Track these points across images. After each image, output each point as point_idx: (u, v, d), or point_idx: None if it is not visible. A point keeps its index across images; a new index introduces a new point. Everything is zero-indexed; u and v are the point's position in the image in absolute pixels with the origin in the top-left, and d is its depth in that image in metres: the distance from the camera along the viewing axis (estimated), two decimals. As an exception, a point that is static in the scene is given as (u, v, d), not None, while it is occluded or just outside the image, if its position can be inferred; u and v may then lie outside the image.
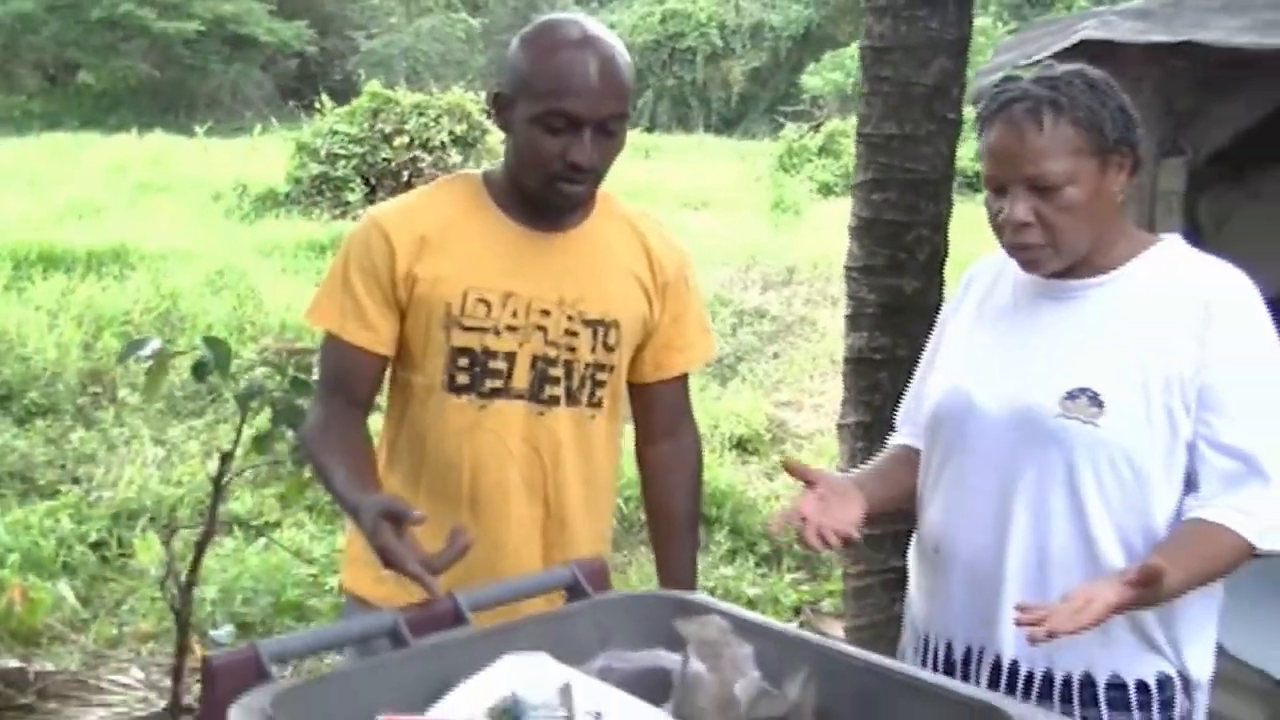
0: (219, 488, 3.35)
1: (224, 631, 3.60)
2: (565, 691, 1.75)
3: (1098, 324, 2.20)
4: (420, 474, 2.41)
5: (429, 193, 2.48)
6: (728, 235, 13.54)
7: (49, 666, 4.85)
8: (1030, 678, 2.22)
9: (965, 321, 2.42)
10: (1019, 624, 1.98)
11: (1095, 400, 2.13)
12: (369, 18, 34.75)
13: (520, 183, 2.36)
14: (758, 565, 6.68)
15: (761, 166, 21.03)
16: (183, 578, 3.36)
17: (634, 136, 26.41)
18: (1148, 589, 1.95)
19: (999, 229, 2.21)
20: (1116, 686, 2.19)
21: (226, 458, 3.30)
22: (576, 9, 38.05)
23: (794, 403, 9.66)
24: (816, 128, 22.72)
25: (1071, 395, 2.15)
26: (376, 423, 2.55)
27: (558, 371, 2.38)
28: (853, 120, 22.40)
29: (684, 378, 2.61)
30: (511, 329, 2.35)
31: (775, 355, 10.50)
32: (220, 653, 1.90)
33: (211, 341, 3.15)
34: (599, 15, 37.97)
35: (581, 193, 2.34)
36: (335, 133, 15.11)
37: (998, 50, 3.53)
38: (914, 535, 2.49)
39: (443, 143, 15.13)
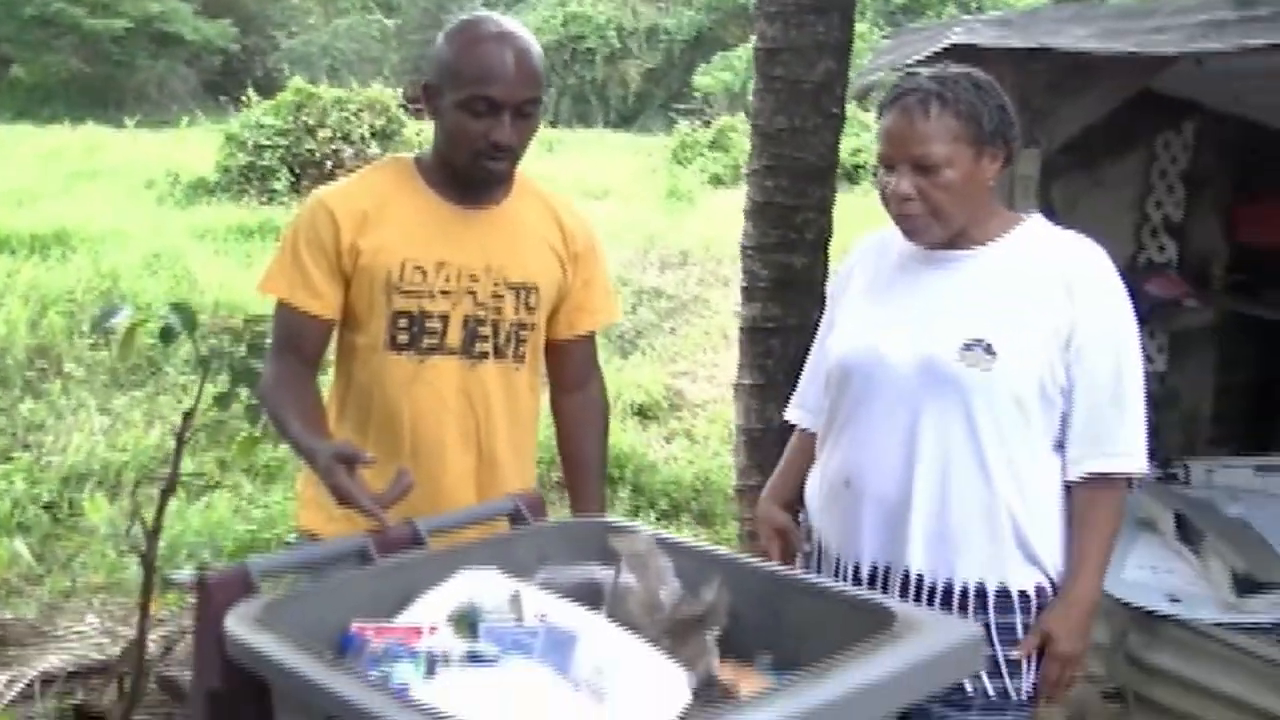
0: (182, 443, 3.40)
1: (185, 573, 3.64)
2: (515, 599, 1.88)
3: (984, 285, 2.37)
4: (368, 424, 2.50)
5: (367, 174, 2.57)
6: (627, 221, 13.58)
7: (8, 616, 4.85)
8: (934, 588, 2.38)
9: (859, 291, 2.57)
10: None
11: (989, 350, 2.31)
12: (289, 17, 34.22)
13: (449, 162, 2.46)
14: (658, 519, 6.78)
15: (657, 159, 21.05)
16: (149, 526, 3.40)
17: (538, 131, 26.40)
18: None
19: (887, 202, 2.38)
20: (1002, 594, 2.37)
21: (189, 415, 3.35)
22: (485, 10, 37.84)
23: (689, 373, 9.75)
24: (707, 123, 22.78)
25: (968, 346, 2.32)
26: (325, 382, 2.64)
27: (486, 330, 2.50)
28: (740, 116, 22.50)
29: (592, 335, 2.74)
30: (445, 293, 2.46)
31: (672, 330, 10.59)
32: (214, 572, 2.00)
33: (178, 307, 3.20)
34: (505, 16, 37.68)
35: (504, 169, 2.46)
36: (262, 125, 14.93)
37: (876, 53, 3.64)
38: (812, 479, 2.63)
39: (362, 135, 15.03)
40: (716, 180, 19.71)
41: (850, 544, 2.48)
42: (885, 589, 2.42)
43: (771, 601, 1.97)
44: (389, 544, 2.12)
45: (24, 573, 5.43)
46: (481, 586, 1.95)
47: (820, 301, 4.33)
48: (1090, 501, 2.38)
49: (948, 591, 2.38)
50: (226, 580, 1.97)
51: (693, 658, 1.83)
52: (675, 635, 1.87)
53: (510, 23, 2.44)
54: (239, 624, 1.79)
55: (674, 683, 1.75)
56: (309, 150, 14.83)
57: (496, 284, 2.49)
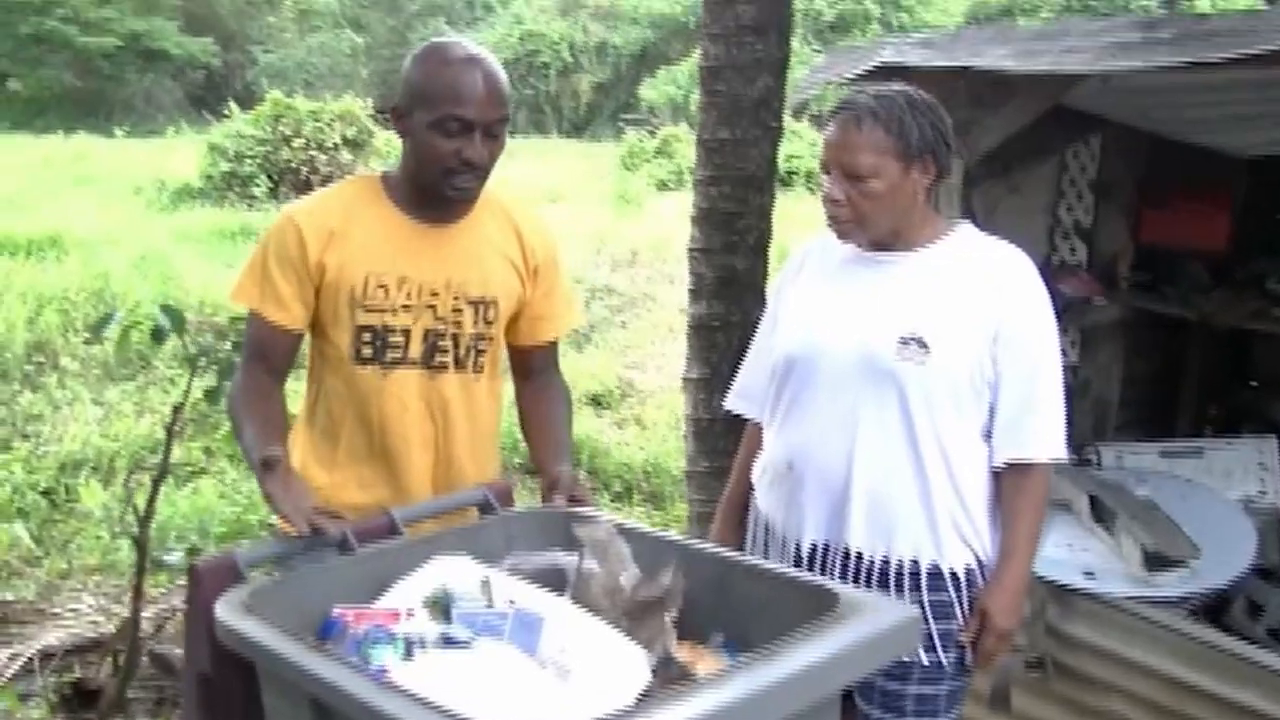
0: (171, 434, 3.35)
1: (175, 556, 3.58)
2: (485, 585, 1.85)
3: (919, 285, 2.37)
4: (340, 428, 2.43)
5: (335, 191, 2.47)
6: (579, 224, 13.54)
7: (9, 596, 4.79)
8: (871, 565, 2.38)
9: (805, 285, 2.55)
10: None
11: (923, 345, 2.31)
12: (266, 34, 34.00)
13: (419, 181, 2.37)
14: (612, 501, 6.76)
15: (606, 165, 21.04)
16: (142, 512, 3.34)
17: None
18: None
19: (823, 204, 2.39)
20: (934, 573, 2.37)
21: (178, 408, 3.30)
22: (448, 29, 37.62)
23: (639, 365, 9.74)
24: (652, 133, 22.79)
25: (904, 341, 2.32)
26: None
27: (446, 343, 2.42)
28: (684, 126, 22.49)
29: (554, 342, 2.66)
30: (406, 308, 2.37)
31: (623, 325, 10.57)
32: (204, 559, 1.96)
33: (168, 309, 3.15)
34: (466, 34, 37.59)
35: (474, 188, 2.38)
36: (242, 135, 14.85)
37: (811, 70, 3.61)
38: (758, 463, 2.62)
39: (335, 144, 14.95)
40: (662, 185, 19.75)
41: (793, 523, 2.47)
42: (826, 565, 2.41)
43: (722, 584, 1.95)
44: (368, 533, 2.09)
45: (23, 555, 5.35)
46: (453, 572, 1.92)
47: (761, 300, 4.38)
48: (1017, 488, 2.39)
49: (884, 569, 2.37)
50: (215, 568, 1.93)
51: (651, 638, 1.81)
52: (634, 617, 1.85)
53: (476, 47, 2.36)
54: (228, 610, 1.76)
55: (634, 662, 1.73)
56: (286, 159, 14.76)
57: (456, 298, 2.41)
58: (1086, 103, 3.56)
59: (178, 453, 6.33)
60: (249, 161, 14.67)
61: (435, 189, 2.35)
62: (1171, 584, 3.15)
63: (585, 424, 7.71)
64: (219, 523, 5.66)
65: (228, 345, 3.28)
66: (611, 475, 7.06)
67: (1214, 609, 3.34)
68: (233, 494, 6.13)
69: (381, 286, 2.35)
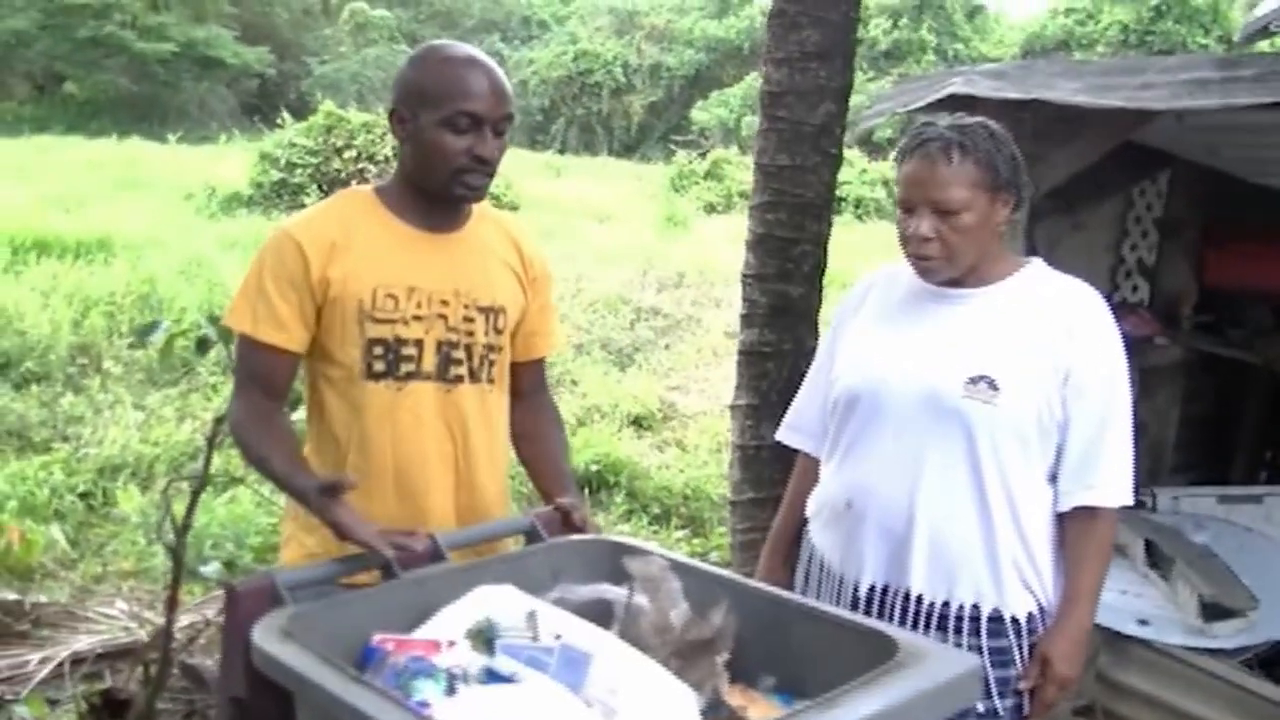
0: (212, 445, 3.31)
1: (212, 568, 3.54)
2: (531, 617, 1.79)
3: (989, 323, 2.31)
4: (345, 454, 2.33)
5: (329, 206, 2.39)
6: (627, 244, 13.55)
7: (43, 599, 4.75)
8: (931, 608, 2.31)
9: (868, 320, 2.49)
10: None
11: (992, 385, 2.24)
12: (322, 46, 34.33)
13: (427, 184, 2.30)
14: (650, 524, 6.69)
15: (655, 186, 21.09)
16: (179, 523, 3.30)
17: (547, 158, 26.29)
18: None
19: (905, 241, 2.32)
20: (995, 618, 2.31)
21: (219, 420, 3.25)
22: (502, 46, 37.87)
23: (682, 387, 9.70)
24: (703, 155, 22.85)
25: (973, 380, 2.25)
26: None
27: (460, 354, 2.34)
28: (734, 150, 22.58)
29: (543, 360, 2.60)
30: (418, 318, 2.30)
31: (667, 347, 10.53)
32: (242, 581, 1.91)
33: (214, 319, 3.12)
34: (519, 52, 37.83)
35: (484, 187, 2.31)
36: (294, 145, 14.97)
37: (878, 99, 3.57)
38: (814, 498, 2.55)
39: (386, 156, 14.98)
40: (710, 208, 19.79)
41: (852, 563, 2.40)
42: (885, 607, 2.35)
43: (776, 625, 1.89)
44: (410, 558, 2.03)
45: (59, 557, 5.35)
46: (498, 603, 1.86)
47: (814, 329, 4.32)
48: (1082, 533, 2.32)
49: (944, 612, 2.31)
50: (253, 590, 1.88)
51: (701, 680, 1.75)
52: (684, 657, 1.79)
53: (472, 48, 2.32)
54: (265, 635, 1.71)
55: (684, 705, 1.67)
56: (336, 169, 14.84)
57: (467, 307, 2.34)
58: (1155, 140, 3.49)
59: (216, 461, 6.33)
60: (300, 171, 14.77)
61: (445, 190, 2.29)
62: (1228, 635, 3.07)
63: (626, 446, 7.66)
64: (254, 533, 5.63)
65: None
66: (650, 498, 6.99)
67: (1269, 661, 3.24)
68: (269, 504, 6.11)
69: (391, 297, 2.27)
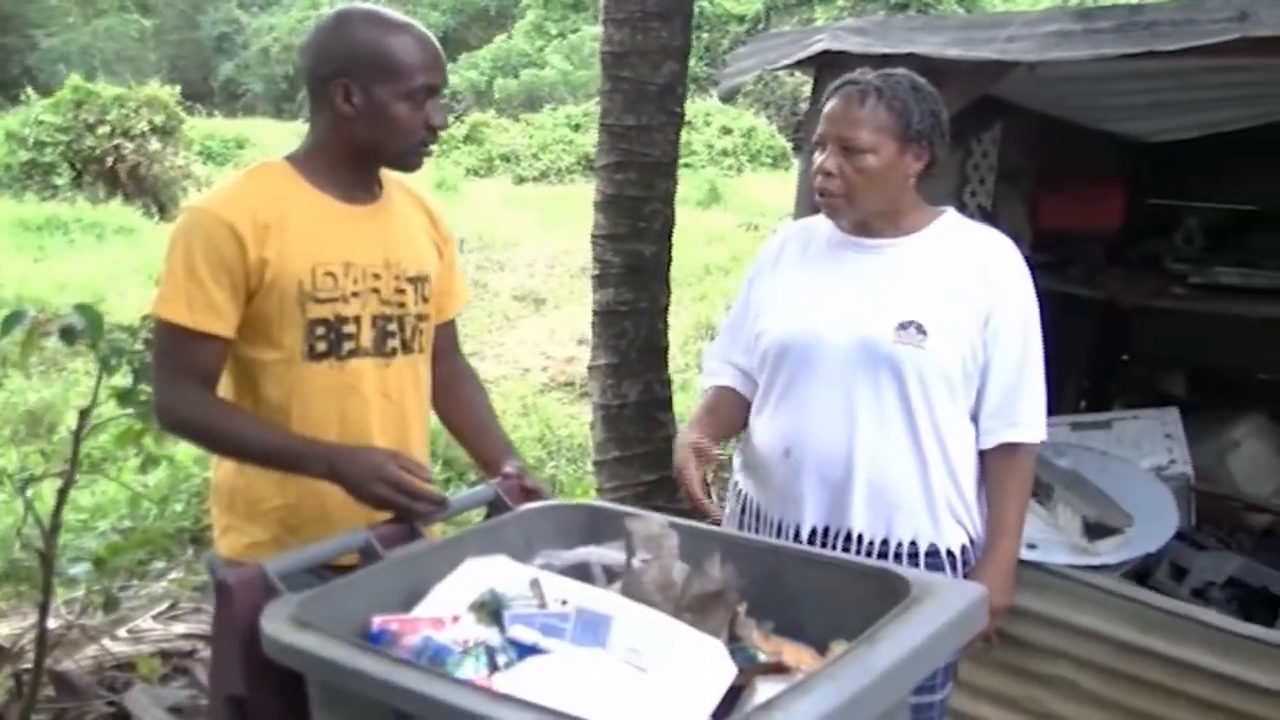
0: (79, 439, 3.17)
1: (81, 569, 3.36)
2: (535, 584, 1.80)
3: (912, 271, 2.43)
4: None
5: (248, 181, 2.31)
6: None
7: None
8: (871, 545, 2.42)
9: (788, 272, 2.57)
10: None
11: (921, 329, 2.36)
12: (47, 17, 32.47)
13: (379, 155, 2.28)
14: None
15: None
16: (46, 524, 3.16)
17: (296, 126, 25.47)
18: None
19: (813, 177, 2.43)
20: (932, 553, 2.43)
21: (85, 412, 3.12)
22: (240, 13, 36.59)
23: (478, 353, 9.71)
24: (459, 118, 22.72)
25: (903, 326, 2.36)
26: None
27: (394, 326, 2.34)
28: (491, 112, 22.45)
29: (454, 321, 2.61)
30: (355, 295, 2.28)
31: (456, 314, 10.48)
32: (231, 573, 1.86)
33: (83, 308, 2.98)
34: (259, 19, 36.57)
35: (431, 153, 2.35)
36: (41, 122, 14.22)
37: (734, 57, 3.62)
38: (744, 448, 2.63)
39: (143, 131, 14.40)
40: (472, 172, 19.77)
41: (791, 508, 2.49)
42: (826, 547, 2.44)
43: (772, 574, 1.94)
44: (389, 538, 2.03)
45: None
46: (494, 574, 1.87)
47: (666, 286, 4.40)
48: (1005, 469, 2.47)
49: (884, 549, 2.42)
50: (245, 582, 1.84)
51: (715, 631, 1.79)
52: (694, 610, 1.83)
53: (396, 12, 2.32)
54: (276, 625, 1.68)
55: (715, 655, 1.71)
56: (90, 147, 14.21)
57: (397, 279, 2.33)
58: (1003, 92, 3.65)
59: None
60: (50, 150, 14.07)
61: (402, 161, 2.30)
62: (1110, 551, 3.27)
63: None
64: (122, 517, 5.46)
65: (140, 344, 3.12)
66: (466, 465, 6.97)
67: (1142, 573, 3.48)
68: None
69: (329, 275, 2.25)
